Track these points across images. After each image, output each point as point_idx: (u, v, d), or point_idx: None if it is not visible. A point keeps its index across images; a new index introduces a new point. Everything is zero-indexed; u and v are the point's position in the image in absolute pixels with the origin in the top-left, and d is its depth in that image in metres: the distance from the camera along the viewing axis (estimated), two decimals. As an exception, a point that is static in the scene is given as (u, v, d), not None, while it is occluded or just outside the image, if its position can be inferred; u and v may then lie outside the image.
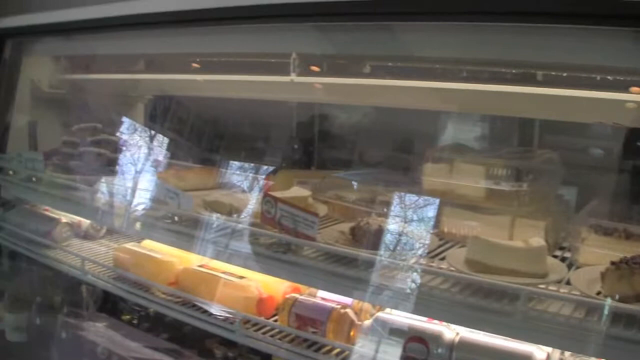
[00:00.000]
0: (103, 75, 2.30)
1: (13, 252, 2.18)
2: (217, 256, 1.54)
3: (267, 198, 1.41)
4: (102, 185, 1.81)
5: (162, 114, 2.43)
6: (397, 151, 1.93)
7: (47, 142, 2.30)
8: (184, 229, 1.57)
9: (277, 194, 1.45)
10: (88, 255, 1.91)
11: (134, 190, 1.76)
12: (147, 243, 1.85)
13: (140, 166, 1.96)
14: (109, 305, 2.04)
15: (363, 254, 1.25)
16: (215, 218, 1.52)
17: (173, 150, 2.11)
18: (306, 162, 2.14)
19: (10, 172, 2.17)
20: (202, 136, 2.34)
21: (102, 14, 1.85)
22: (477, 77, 1.43)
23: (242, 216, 1.53)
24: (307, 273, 1.34)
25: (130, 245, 1.84)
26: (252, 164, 1.91)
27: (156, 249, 1.78)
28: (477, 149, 1.59)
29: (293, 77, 1.60)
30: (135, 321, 1.97)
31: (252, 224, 1.46)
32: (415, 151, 1.82)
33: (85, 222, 2.09)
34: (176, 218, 1.61)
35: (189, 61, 2.05)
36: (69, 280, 2.03)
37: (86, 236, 2.11)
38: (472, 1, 1.13)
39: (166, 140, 2.16)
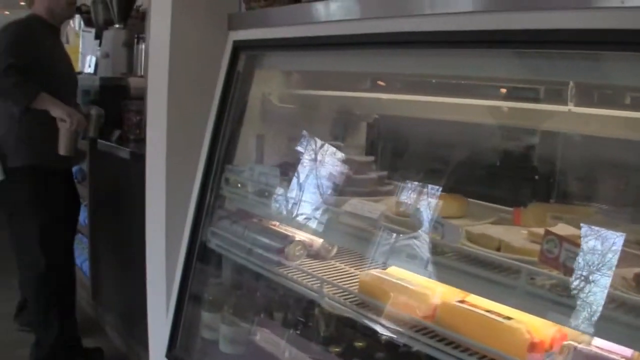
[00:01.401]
0: (328, 92, 2.31)
1: (238, 265, 2.22)
2: (481, 293, 1.47)
3: (551, 237, 1.32)
4: (347, 206, 1.79)
5: (380, 135, 2.41)
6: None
7: (272, 156, 2.34)
8: (441, 260, 1.53)
9: (559, 232, 1.35)
10: (323, 276, 1.89)
11: (380, 214, 1.72)
12: (394, 270, 1.81)
13: (377, 187, 1.93)
14: (338, 330, 2.02)
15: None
16: (482, 252, 1.45)
17: (404, 172, 2.07)
18: (546, 194, 2.03)
19: (239, 185, 2.22)
20: (431, 162, 2.29)
21: (335, 32, 1.86)
22: None
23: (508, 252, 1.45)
24: (589, 320, 1.25)
25: (376, 272, 1.81)
26: (496, 195, 1.83)
27: (405, 277, 1.73)
28: None
29: (570, 107, 1.51)
30: (369, 350, 1.94)
31: (519, 261, 1.38)
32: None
33: (318, 241, 2.09)
34: (436, 249, 1.56)
35: (418, 82, 2.02)
36: (298, 299, 2.04)
37: (316, 256, 2.11)
38: None
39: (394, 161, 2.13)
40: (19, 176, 3.08)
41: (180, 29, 2.32)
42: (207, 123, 2.28)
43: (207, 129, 2.28)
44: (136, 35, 4.05)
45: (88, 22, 4.75)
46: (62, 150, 3.08)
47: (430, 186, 1.85)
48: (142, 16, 4.92)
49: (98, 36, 4.29)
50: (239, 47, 2.27)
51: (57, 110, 3.07)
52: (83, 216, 3.97)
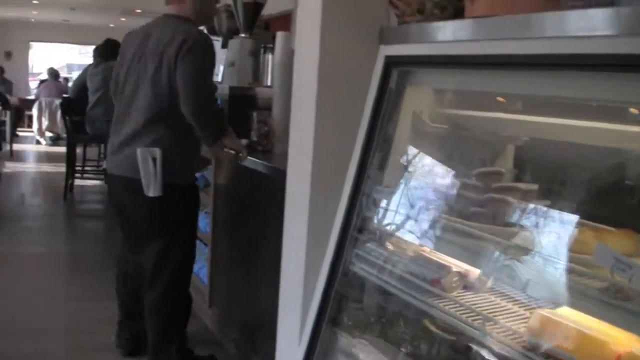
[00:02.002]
0: (479, 113, 2.20)
1: (383, 291, 2.13)
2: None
3: None
4: (519, 238, 1.68)
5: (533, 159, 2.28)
6: None
7: (422, 178, 2.24)
8: (626, 306, 1.40)
9: None
10: (484, 312, 1.78)
11: (555, 250, 1.60)
12: (566, 312, 1.67)
13: (548, 220, 1.81)
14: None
15: None
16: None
17: (566, 203, 1.93)
18: None
19: (387, 207, 2.14)
20: (592, 191, 2.14)
21: (495, 51, 1.77)
22: None
23: None
24: None
25: (547, 313, 1.68)
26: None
27: (581, 321, 1.59)
28: None
29: None
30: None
31: None
32: None
33: (474, 271, 1.98)
34: (620, 293, 1.42)
35: (577, 105, 1.88)
36: (451, 334, 1.93)
37: (470, 287, 1.99)
38: None
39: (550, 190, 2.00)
40: (176, 194, 3.06)
41: (330, 43, 2.25)
42: (356, 141, 2.21)
43: (355, 147, 2.20)
44: (262, 45, 4.05)
45: (211, 31, 4.79)
46: (224, 179, 3.10)
47: (594, 219, 1.74)
48: (266, 25, 4.94)
49: (224, 45, 4.30)
50: (390, 63, 2.19)
51: (235, 141, 3.09)
52: (204, 223, 3.99)
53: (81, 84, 8.21)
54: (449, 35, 1.95)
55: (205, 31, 4.76)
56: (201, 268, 4.10)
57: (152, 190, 2.92)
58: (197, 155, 3.19)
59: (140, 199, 2.98)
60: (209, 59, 3.05)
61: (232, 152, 3.10)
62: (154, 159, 2.92)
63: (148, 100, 2.99)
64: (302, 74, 2.38)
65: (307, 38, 2.33)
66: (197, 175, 3.59)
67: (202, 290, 4.10)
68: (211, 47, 3.05)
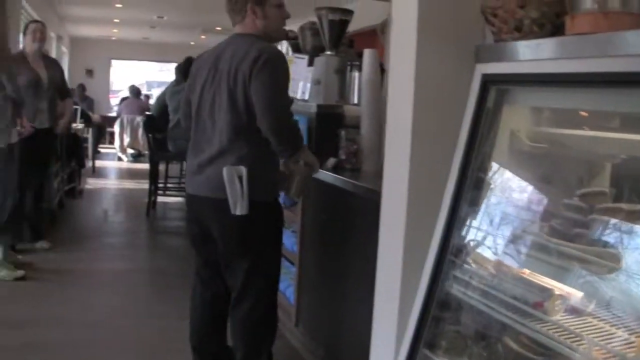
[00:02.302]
0: (577, 132, 2.18)
1: (481, 313, 2.13)
2: None
3: None
4: (624, 261, 1.66)
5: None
6: None
7: (521, 198, 2.23)
8: None
9: None
10: (589, 336, 1.76)
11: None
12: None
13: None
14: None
15: None
16: None
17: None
18: None
19: (485, 228, 2.14)
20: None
21: (596, 68, 1.76)
22: None
23: None
24: None
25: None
26: None
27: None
28: None
29: None
30: None
31: None
32: None
33: (577, 295, 1.96)
34: None
35: None
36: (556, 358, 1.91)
37: (574, 310, 1.97)
38: None
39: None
40: (261, 211, 3.10)
41: (425, 63, 2.28)
42: (452, 161, 2.22)
43: (452, 168, 2.22)
44: (349, 63, 4.09)
45: (296, 49, 4.87)
46: (296, 193, 3.14)
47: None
48: (351, 42, 4.99)
49: (311, 63, 4.37)
50: (488, 81, 2.20)
51: (309, 156, 3.14)
52: (291, 242, 4.05)
53: (163, 103, 8.44)
54: (549, 52, 1.95)
55: (289, 48, 4.88)
56: (288, 287, 4.15)
57: (239, 208, 2.98)
58: (277, 170, 3.24)
59: (227, 219, 3.05)
60: (284, 73, 3.10)
61: (306, 166, 3.13)
62: (240, 177, 2.98)
63: (227, 119, 3.05)
64: (397, 94, 2.41)
65: (401, 58, 2.36)
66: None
67: (289, 309, 4.15)
68: (285, 61, 3.11)
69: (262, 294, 3.22)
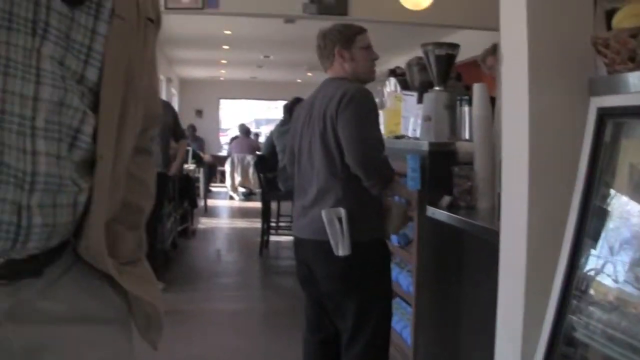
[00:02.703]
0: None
1: (609, 358, 2.08)
2: None
3: None
4: None
5: None
6: None
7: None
8: None
9: None
10: None
11: None
12: None
13: None
14: None
15: None
16: None
17: None
18: None
19: (609, 268, 2.10)
20: None
21: None
22: None
23: None
24: None
25: None
26: None
27: None
28: None
29: None
30: None
31: None
32: None
33: None
34: None
35: None
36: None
37: None
38: None
39: None
40: (366, 250, 3.19)
41: (539, 100, 2.27)
42: (572, 197, 2.20)
43: (571, 205, 2.19)
44: (459, 98, 4.10)
45: (404, 86, 4.92)
46: (395, 229, 3.20)
47: None
48: (458, 76, 5.01)
49: (420, 99, 4.41)
50: (604, 115, 2.17)
51: (404, 191, 3.20)
52: (407, 282, 4.07)
53: (271, 143, 8.67)
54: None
55: (397, 85, 4.93)
56: (404, 327, 4.16)
57: (341, 249, 3.07)
58: (379, 208, 3.30)
59: (330, 260, 3.13)
60: (370, 107, 3.20)
61: (402, 200, 3.18)
62: (340, 219, 3.08)
63: (322, 162, 3.20)
64: (511, 131, 2.41)
65: (514, 96, 2.37)
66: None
67: (406, 351, 4.15)
68: (370, 97, 3.23)
69: (375, 335, 3.26)
